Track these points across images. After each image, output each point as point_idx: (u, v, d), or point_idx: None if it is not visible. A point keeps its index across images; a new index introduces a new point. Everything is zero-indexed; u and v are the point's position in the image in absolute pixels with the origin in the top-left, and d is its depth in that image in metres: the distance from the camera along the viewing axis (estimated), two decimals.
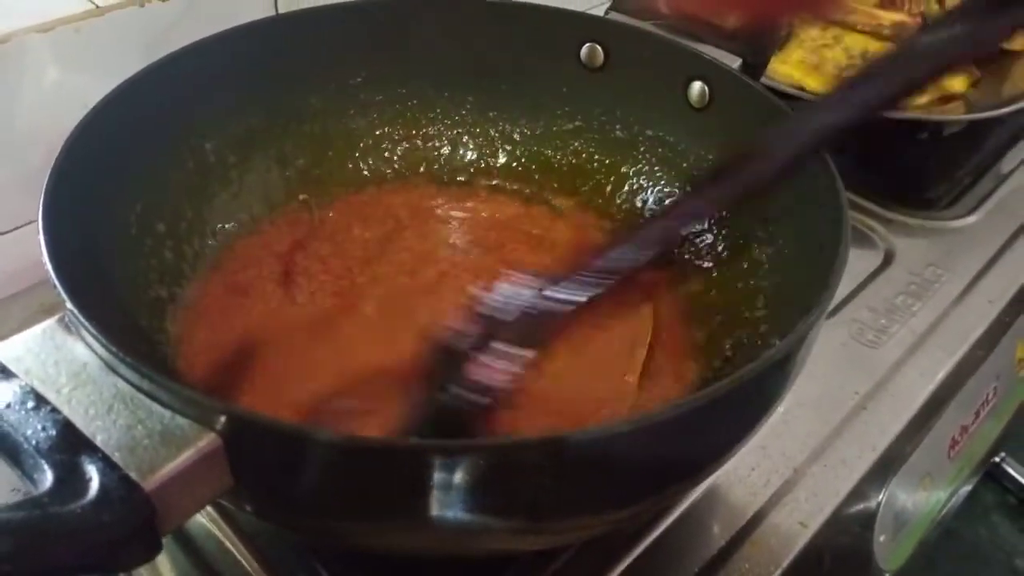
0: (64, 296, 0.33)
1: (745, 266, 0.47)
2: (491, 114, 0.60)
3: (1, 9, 0.51)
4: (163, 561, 0.44)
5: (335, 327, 0.47)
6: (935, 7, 0.78)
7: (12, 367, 0.31)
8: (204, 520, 0.44)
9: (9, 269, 0.56)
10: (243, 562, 0.43)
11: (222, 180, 0.52)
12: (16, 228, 0.55)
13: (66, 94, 0.53)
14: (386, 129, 0.58)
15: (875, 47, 0.73)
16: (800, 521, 0.47)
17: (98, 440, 0.29)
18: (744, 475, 0.48)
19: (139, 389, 0.30)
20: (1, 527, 0.25)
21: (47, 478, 0.28)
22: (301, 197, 0.55)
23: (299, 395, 0.43)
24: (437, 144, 0.59)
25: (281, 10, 0.62)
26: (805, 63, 0.74)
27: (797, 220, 0.44)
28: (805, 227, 0.43)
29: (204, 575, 0.43)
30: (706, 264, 0.50)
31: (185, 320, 0.46)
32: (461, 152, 0.60)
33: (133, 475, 0.28)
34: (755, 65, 0.58)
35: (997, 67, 0.81)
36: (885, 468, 0.51)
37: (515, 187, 0.59)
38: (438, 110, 0.59)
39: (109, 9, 0.53)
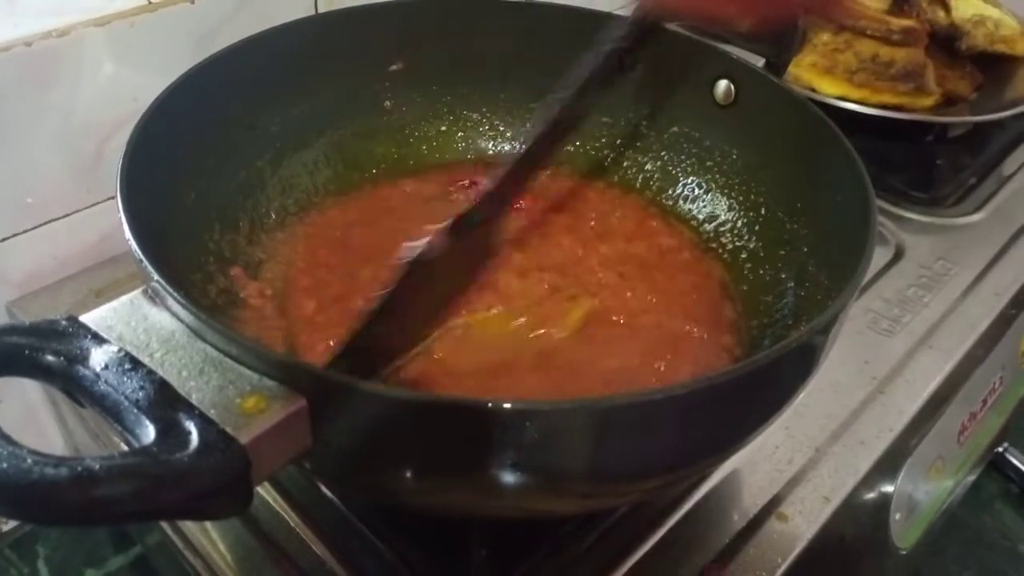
0: (151, 270, 0.35)
1: (781, 252, 0.50)
2: (522, 110, 0.62)
3: (61, 4, 0.53)
4: (218, 527, 0.46)
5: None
6: (942, 14, 0.81)
7: (104, 334, 0.33)
8: (258, 489, 0.47)
9: (60, 254, 0.58)
10: (297, 531, 0.46)
11: (273, 165, 0.54)
12: (67, 215, 0.57)
13: (119, 87, 0.55)
14: (422, 123, 0.61)
15: (885, 51, 0.76)
16: (824, 496, 0.49)
17: (194, 399, 0.31)
18: (769, 453, 0.51)
19: (227, 354, 0.33)
20: (123, 471, 0.27)
21: (149, 432, 0.30)
22: (344, 181, 0.58)
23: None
24: (473, 136, 0.62)
25: (321, 10, 0.64)
26: (817, 66, 0.77)
27: (826, 209, 0.47)
28: (833, 217, 0.46)
29: (261, 543, 0.45)
30: (740, 248, 0.53)
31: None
32: (494, 144, 0.62)
33: (229, 430, 0.30)
34: (777, 65, 0.61)
35: (1000, 73, 0.84)
36: (901, 449, 0.54)
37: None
38: (471, 105, 0.62)
39: (161, 5, 0.55)
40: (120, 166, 0.40)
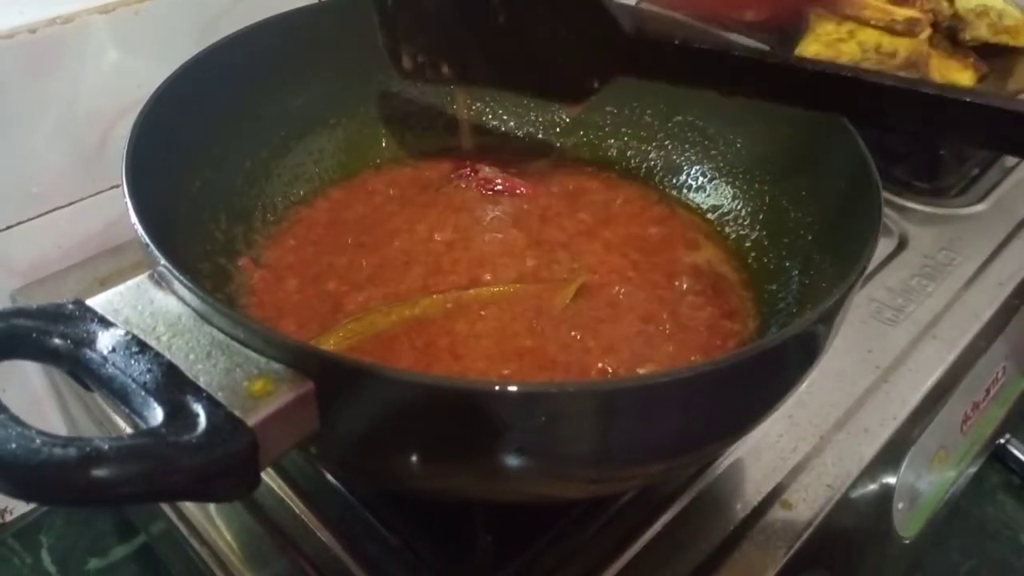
0: (157, 254, 0.35)
1: (786, 240, 0.50)
2: (526, 101, 0.62)
3: None
4: (224, 515, 0.46)
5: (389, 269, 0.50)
6: (945, 4, 0.81)
7: (111, 318, 0.33)
8: (264, 477, 0.46)
9: (64, 243, 0.58)
10: (303, 517, 0.46)
11: (278, 154, 0.54)
12: (71, 203, 0.57)
13: (123, 75, 0.55)
14: (426, 110, 0.61)
15: (888, 42, 0.76)
16: (827, 484, 0.49)
17: (201, 381, 0.31)
18: (773, 441, 0.51)
19: (234, 337, 0.33)
20: (131, 452, 0.27)
21: (157, 414, 0.30)
22: (348, 169, 0.58)
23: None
24: (477, 122, 0.62)
25: None
26: (821, 57, 0.77)
27: (831, 197, 0.47)
28: (838, 205, 0.46)
29: (266, 530, 0.45)
30: (744, 236, 0.53)
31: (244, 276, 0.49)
32: (498, 131, 0.62)
33: (237, 412, 0.30)
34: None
35: (1003, 64, 0.83)
36: (904, 438, 0.54)
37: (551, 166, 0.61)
38: (475, 92, 0.62)
39: None
40: (125, 151, 0.41)
